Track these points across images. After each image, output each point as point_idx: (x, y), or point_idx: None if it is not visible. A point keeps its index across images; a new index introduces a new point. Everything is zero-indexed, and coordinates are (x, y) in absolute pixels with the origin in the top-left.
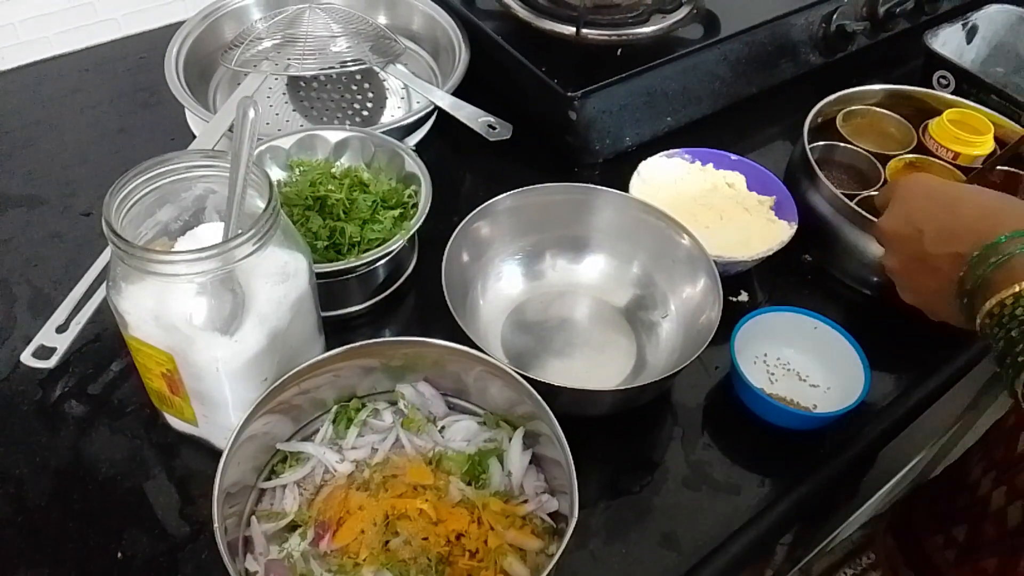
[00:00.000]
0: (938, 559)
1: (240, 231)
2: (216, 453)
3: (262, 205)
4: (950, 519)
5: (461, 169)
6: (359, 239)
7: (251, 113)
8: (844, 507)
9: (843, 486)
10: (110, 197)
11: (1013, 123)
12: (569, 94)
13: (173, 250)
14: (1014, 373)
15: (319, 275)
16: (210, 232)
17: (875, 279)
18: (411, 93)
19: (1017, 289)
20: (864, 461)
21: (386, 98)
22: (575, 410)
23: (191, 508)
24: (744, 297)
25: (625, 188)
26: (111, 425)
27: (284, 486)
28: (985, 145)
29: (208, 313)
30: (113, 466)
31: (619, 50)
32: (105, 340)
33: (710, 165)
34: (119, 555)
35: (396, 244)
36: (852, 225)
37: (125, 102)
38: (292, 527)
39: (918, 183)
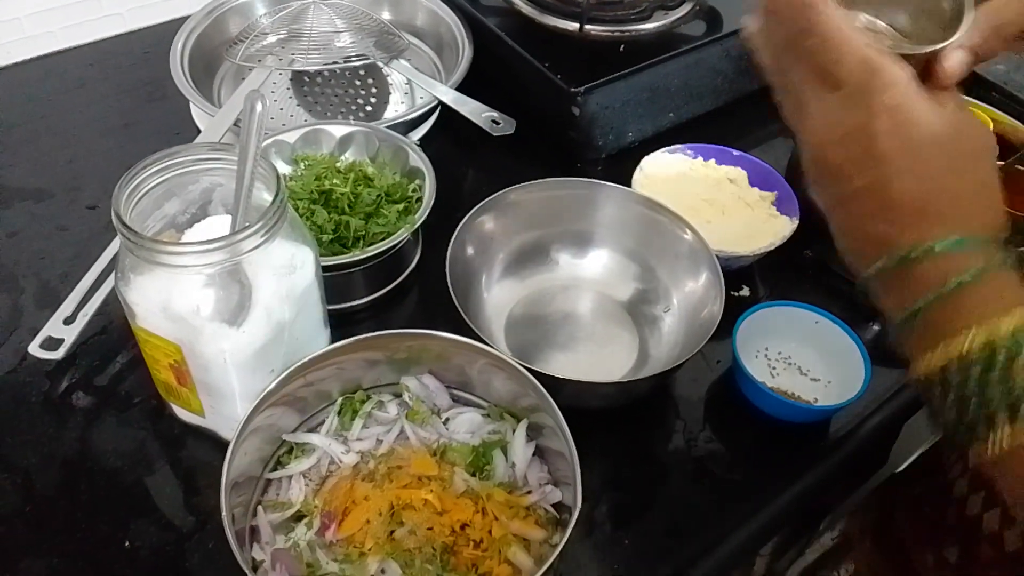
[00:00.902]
0: None
1: (248, 223)
2: (222, 444)
3: (269, 198)
4: (940, 537)
5: (464, 164)
6: (363, 233)
7: (259, 106)
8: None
9: (845, 483)
10: (119, 189)
11: (1013, 119)
12: (572, 90)
13: (182, 241)
14: (983, 431)
15: (324, 268)
16: (217, 225)
17: None
18: (414, 88)
19: (966, 346)
20: (863, 459)
21: (389, 93)
22: (578, 403)
23: (198, 499)
24: (746, 292)
25: (628, 183)
26: (118, 416)
27: (290, 477)
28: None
29: (215, 304)
30: (120, 457)
31: (622, 46)
32: (112, 332)
33: (712, 161)
34: (126, 544)
35: (401, 237)
36: None
37: (130, 97)
38: (298, 517)
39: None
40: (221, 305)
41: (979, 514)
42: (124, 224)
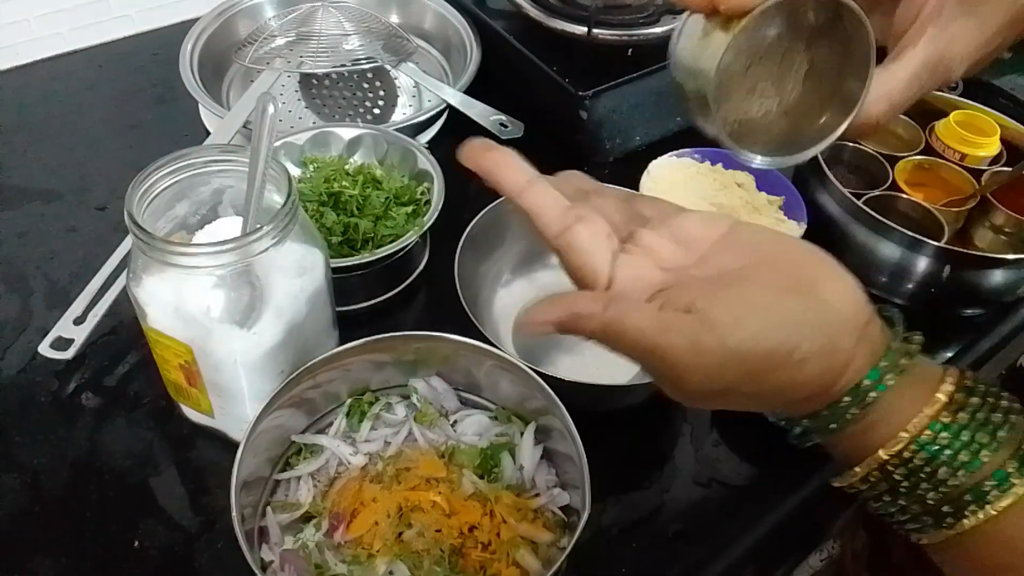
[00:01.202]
0: None
1: (259, 225)
2: (232, 445)
3: (279, 200)
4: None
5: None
6: (372, 235)
7: (271, 108)
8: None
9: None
10: (132, 190)
11: (1019, 124)
12: (580, 93)
13: (194, 243)
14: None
15: (333, 270)
16: (227, 227)
17: (883, 279)
18: (422, 92)
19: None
20: None
21: (397, 96)
22: (585, 405)
23: (207, 499)
24: None
25: (635, 187)
26: (127, 416)
27: (299, 478)
28: (992, 146)
29: (226, 305)
30: (129, 457)
31: (630, 50)
32: (121, 333)
33: (719, 165)
34: (136, 544)
35: (409, 239)
36: (860, 225)
37: (139, 98)
38: (307, 518)
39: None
40: (232, 306)
41: None
42: (137, 225)
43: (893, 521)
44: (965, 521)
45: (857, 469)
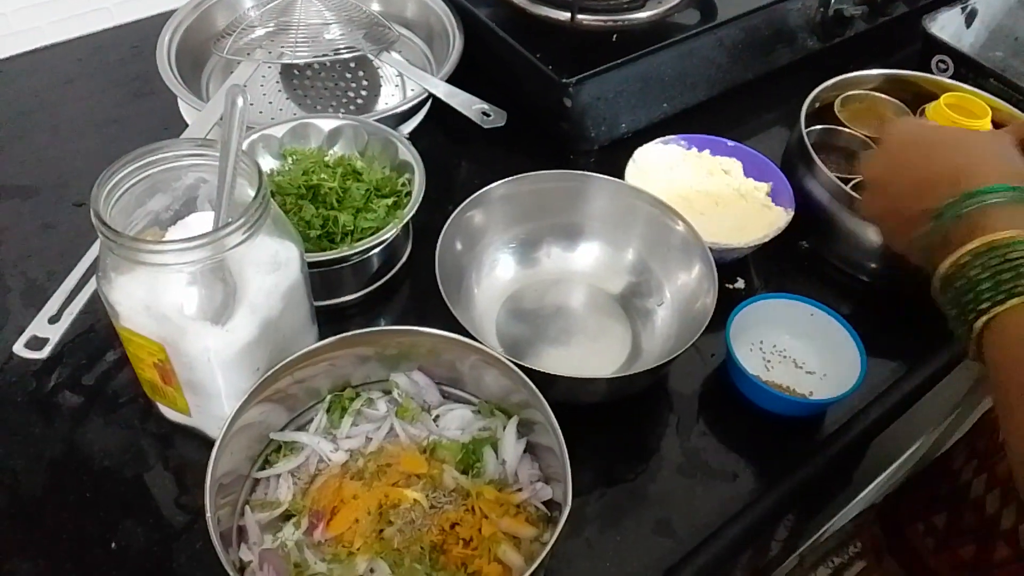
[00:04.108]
0: (919, 546)
1: (230, 220)
2: (210, 443)
3: (252, 194)
4: (932, 507)
5: (455, 157)
6: (352, 228)
7: (240, 101)
8: (839, 497)
9: (837, 475)
10: (98, 187)
11: (1011, 107)
12: (564, 81)
13: (162, 239)
14: (973, 316)
15: (313, 264)
16: (201, 221)
17: (872, 265)
18: (405, 81)
19: (970, 247)
20: (858, 449)
21: (380, 86)
22: (570, 398)
23: (185, 498)
24: (740, 284)
25: (620, 175)
26: (105, 416)
27: (278, 476)
28: (983, 129)
29: (199, 303)
30: (107, 456)
31: (614, 36)
32: (99, 331)
33: (706, 151)
34: (113, 545)
35: (390, 233)
36: (849, 211)
37: (118, 92)
38: (286, 516)
39: (904, 128)
40: (205, 303)
41: (969, 481)
42: (103, 223)
43: (962, 313)
44: None
45: (972, 245)
